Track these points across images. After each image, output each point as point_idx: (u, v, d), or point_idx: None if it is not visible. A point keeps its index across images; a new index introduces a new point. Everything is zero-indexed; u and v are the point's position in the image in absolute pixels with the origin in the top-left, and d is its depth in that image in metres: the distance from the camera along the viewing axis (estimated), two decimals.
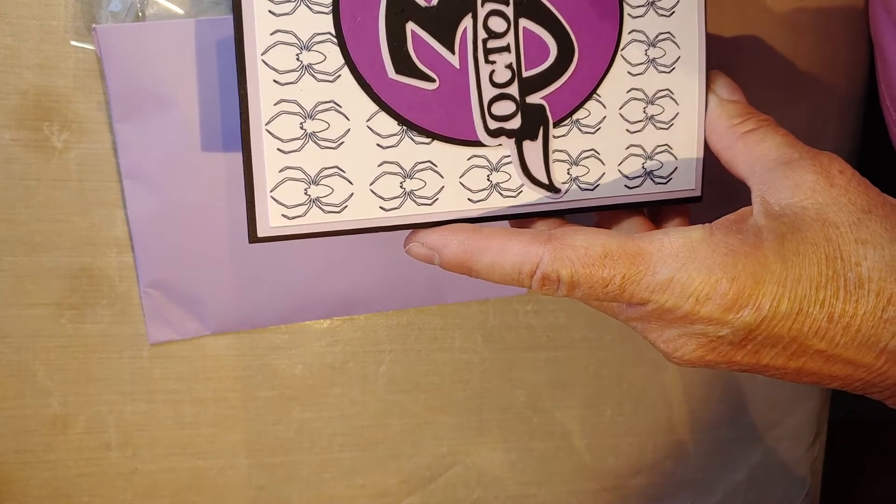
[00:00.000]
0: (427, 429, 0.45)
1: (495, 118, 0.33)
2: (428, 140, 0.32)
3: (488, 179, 0.33)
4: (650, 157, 0.35)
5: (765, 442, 0.50)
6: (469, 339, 0.45)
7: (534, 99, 0.33)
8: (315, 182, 0.31)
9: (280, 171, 0.30)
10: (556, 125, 0.34)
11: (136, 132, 0.38)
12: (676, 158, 0.36)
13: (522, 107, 0.33)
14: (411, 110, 0.32)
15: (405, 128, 0.32)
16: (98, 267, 0.40)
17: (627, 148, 0.35)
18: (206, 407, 0.42)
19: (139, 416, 0.42)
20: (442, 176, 0.32)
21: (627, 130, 0.35)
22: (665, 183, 0.36)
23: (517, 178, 0.33)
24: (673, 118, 0.35)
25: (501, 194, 0.33)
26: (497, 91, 0.33)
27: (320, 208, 0.31)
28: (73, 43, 0.37)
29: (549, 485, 0.47)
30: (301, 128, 0.31)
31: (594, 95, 0.34)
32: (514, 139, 0.33)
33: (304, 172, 0.31)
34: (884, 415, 0.31)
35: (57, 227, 0.39)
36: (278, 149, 0.30)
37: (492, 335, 0.45)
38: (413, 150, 0.32)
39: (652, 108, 0.35)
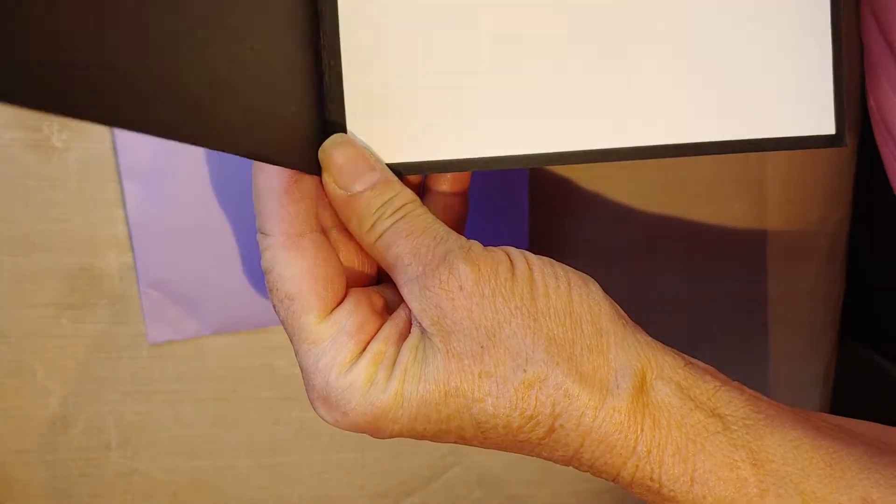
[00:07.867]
0: None
1: None
2: None
3: None
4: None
5: None
6: None
7: None
8: None
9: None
10: None
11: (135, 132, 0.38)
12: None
13: None
14: None
15: None
16: (98, 267, 0.40)
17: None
18: (206, 407, 0.42)
19: (139, 416, 0.42)
20: None
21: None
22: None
23: None
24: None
25: None
26: None
27: None
28: None
29: (549, 485, 0.47)
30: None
31: None
32: None
33: None
34: (884, 415, 0.32)
35: (57, 227, 0.39)
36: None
37: None
38: None
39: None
